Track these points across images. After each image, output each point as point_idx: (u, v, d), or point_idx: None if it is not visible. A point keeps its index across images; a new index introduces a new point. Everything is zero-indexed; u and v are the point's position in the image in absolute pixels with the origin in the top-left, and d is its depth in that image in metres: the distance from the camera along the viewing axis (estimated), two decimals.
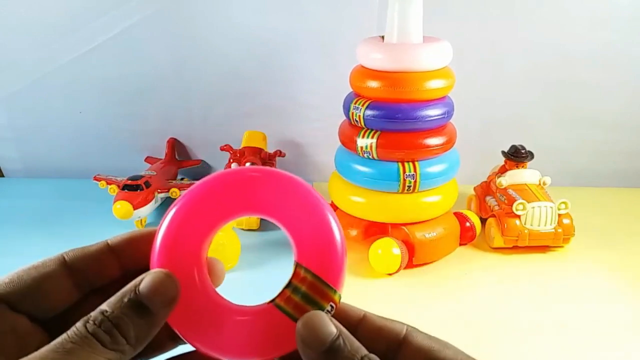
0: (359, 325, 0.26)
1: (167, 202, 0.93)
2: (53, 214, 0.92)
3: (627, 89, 0.99)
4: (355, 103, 0.75)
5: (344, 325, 0.25)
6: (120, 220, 0.82)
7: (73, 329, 0.23)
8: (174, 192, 0.90)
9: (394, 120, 0.73)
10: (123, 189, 0.85)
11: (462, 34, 0.91)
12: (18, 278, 0.26)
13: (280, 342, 0.26)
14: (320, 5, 0.93)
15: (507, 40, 0.95)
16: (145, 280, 0.25)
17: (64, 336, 0.23)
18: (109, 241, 0.28)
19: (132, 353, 0.24)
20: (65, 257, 0.27)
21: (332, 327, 0.24)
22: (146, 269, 0.26)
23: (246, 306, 0.27)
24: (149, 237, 0.27)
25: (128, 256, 0.28)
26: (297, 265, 0.26)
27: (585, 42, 0.95)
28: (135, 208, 0.82)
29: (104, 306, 0.24)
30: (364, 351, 0.24)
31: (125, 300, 0.24)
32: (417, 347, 0.25)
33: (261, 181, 0.27)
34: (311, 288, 0.26)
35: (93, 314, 0.24)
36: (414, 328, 0.26)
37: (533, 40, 0.95)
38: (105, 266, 0.28)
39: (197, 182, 0.28)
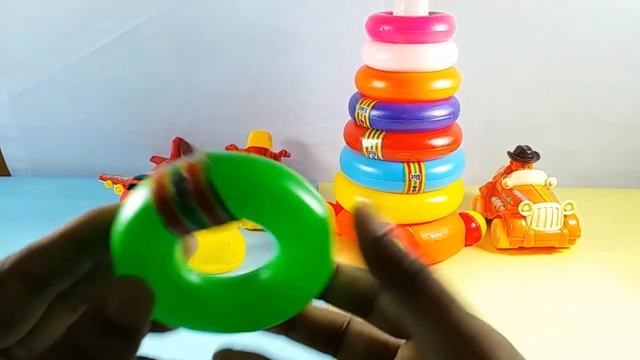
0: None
1: None
2: (59, 213, 0.91)
3: (633, 90, 0.99)
4: (360, 103, 0.75)
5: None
6: None
7: None
8: None
9: (400, 121, 0.73)
10: (129, 188, 0.85)
11: (468, 34, 0.90)
12: None
13: None
14: (326, 6, 0.93)
15: (514, 40, 0.95)
16: (112, 298, 0.20)
17: None
18: (63, 229, 0.22)
19: None
20: (6, 264, 0.21)
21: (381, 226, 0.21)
22: None
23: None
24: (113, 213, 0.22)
25: (93, 241, 0.22)
26: None
27: (592, 43, 0.95)
28: None
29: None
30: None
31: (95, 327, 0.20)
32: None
33: None
34: None
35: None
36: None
37: (540, 41, 0.95)
38: (67, 261, 0.22)
39: None
